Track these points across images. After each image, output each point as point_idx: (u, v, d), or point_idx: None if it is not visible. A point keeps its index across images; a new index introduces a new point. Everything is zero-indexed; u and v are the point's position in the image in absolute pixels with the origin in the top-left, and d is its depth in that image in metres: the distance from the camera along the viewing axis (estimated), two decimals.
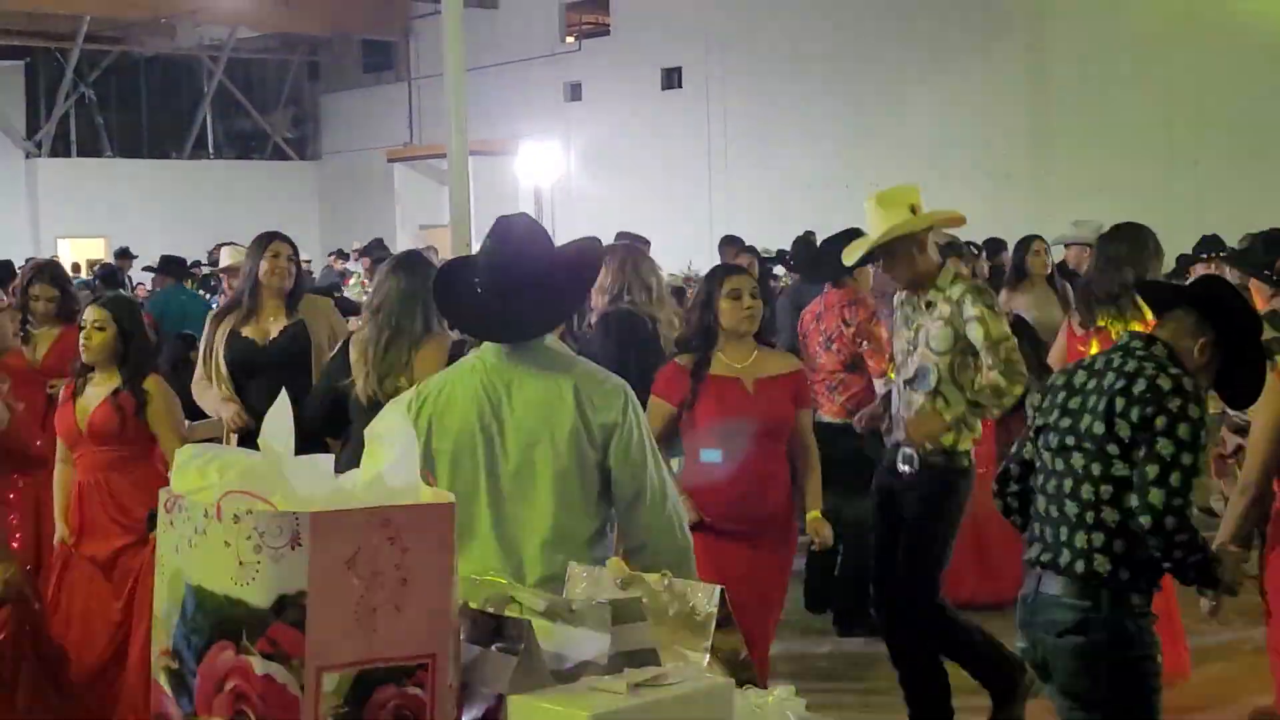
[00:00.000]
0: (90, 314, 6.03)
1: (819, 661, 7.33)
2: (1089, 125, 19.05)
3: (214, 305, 11.35)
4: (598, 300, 6.65)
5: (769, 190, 22.20)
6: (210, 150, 32.59)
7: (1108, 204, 15.82)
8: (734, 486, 5.43)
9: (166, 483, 2.02)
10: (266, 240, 6.75)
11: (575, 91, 26.64)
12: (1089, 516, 3.85)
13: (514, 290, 3.73)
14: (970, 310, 5.67)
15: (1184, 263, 11.47)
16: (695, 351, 5.62)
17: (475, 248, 15.96)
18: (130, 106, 32.43)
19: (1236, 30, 17.72)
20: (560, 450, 3.72)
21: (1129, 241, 6.65)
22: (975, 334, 5.66)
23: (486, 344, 3.85)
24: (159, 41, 30.63)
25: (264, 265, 6.63)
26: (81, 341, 5.99)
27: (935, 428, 5.70)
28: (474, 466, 3.74)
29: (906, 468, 5.80)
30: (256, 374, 6.43)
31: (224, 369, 6.53)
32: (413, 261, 5.94)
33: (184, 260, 13.67)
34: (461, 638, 2.09)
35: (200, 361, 6.73)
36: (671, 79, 25.04)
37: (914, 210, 5.91)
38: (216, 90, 31.44)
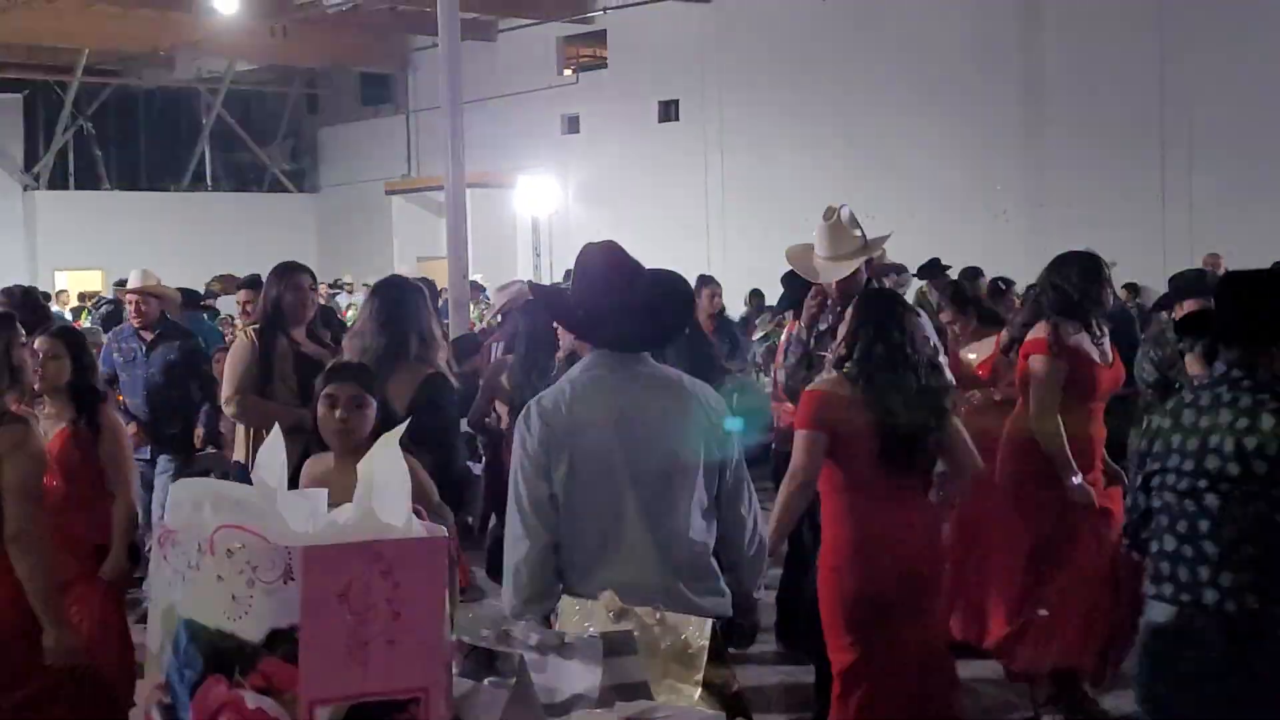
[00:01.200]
0: (43, 344, 5.85)
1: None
2: (1083, 160, 19.11)
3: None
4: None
5: (765, 223, 22.21)
6: (209, 183, 32.64)
7: (1102, 238, 15.86)
8: None
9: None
10: (286, 271, 6.74)
11: (572, 124, 26.71)
12: (1235, 555, 3.81)
13: (657, 303, 3.97)
14: None
15: (1172, 298, 11.48)
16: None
17: (472, 278, 15.78)
18: (129, 139, 32.49)
19: (1227, 68, 17.79)
20: (697, 454, 3.93)
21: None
22: None
23: (595, 357, 4.02)
24: (157, 74, 30.71)
25: (291, 297, 6.62)
26: (36, 371, 5.69)
27: None
28: (617, 477, 3.87)
29: None
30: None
31: (294, 382, 6.44)
32: (390, 288, 6.02)
33: (199, 293, 13.88)
34: (454, 671, 2.09)
35: (241, 380, 6.54)
36: (668, 112, 25.11)
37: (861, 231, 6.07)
38: (215, 123, 31.50)
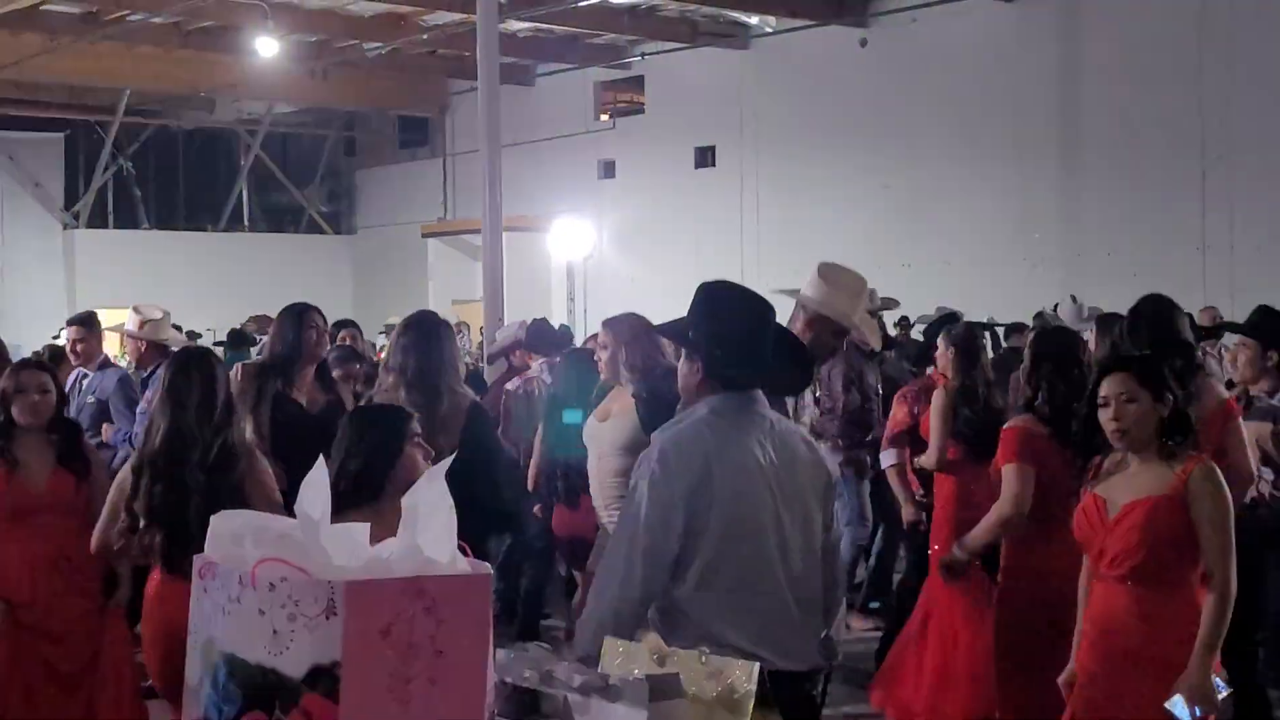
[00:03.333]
0: (34, 378, 5.84)
1: None
2: (1122, 209, 19.03)
3: None
4: (623, 376, 6.66)
5: (801, 269, 22.04)
6: (246, 223, 32.82)
7: (1141, 287, 15.78)
8: None
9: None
10: (303, 311, 6.73)
11: (609, 169, 26.78)
12: None
13: (784, 353, 4.02)
14: None
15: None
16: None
17: (508, 323, 15.86)
18: (168, 179, 32.72)
19: (1270, 117, 17.72)
20: (820, 504, 3.97)
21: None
22: None
23: (721, 400, 3.90)
24: (197, 115, 30.98)
25: (310, 336, 6.63)
26: (28, 406, 5.75)
27: None
28: (762, 523, 3.82)
29: None
30: (302, 442, 6.30)
31: (265, 428, 6.46)
32: (421, 323, 6.04)
33: (245, 333, 14.06)
34: (496, 712, 2.06)
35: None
36: (705, 158, 25.14)
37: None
38: (253, 164, 31.71)
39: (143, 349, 8.48)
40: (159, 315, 8.77)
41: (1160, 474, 4.66)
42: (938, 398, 7.20)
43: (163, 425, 5.10)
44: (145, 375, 7.89)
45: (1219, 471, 4.68)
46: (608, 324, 6.81)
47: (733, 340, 3.90)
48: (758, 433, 3.87)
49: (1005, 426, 5.68)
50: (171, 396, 5.12)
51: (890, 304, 11.24)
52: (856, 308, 5.83)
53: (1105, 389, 4.72)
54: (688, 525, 3.74)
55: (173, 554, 4.94)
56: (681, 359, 4.11)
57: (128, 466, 5.20)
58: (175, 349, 7.93)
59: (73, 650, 5.81)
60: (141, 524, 5.04)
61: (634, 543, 3.74)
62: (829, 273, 5.69)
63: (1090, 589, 4.80)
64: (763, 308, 4.02)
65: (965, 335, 7.32)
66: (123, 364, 10.59)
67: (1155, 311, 6.07)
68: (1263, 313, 7.08)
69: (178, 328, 18.01)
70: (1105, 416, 4.69)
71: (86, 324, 9.12)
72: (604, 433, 6.45)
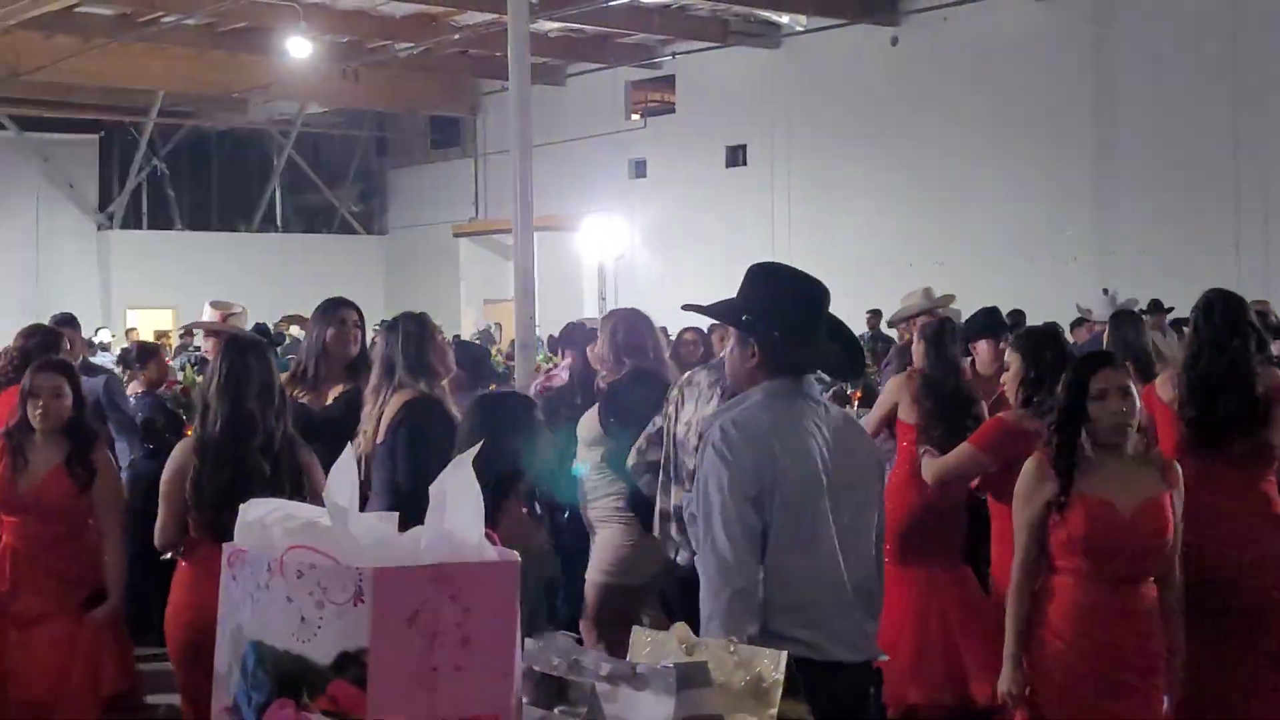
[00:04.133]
0: (48, 380, 5.82)
1: None
2: (1156, 206, 18.94)
3: None
4: (602, 366, 6.75)
5: (832, 268, 22.05)
6: (278, 224, 32.96)
7: (1176, 287, 15.69)
8: None
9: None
10: (334, 307, 6.70)
11: (640, 168, 26.78)
12: None
13: (842, 337, 3.96)
14: None
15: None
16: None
17: (539, 322, 15.81)
18: (201, 180, 32.88)
19: None
20: (869, 489, 3.90)
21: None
22: None
23: (777, 385, 3.81)
24: (230, 116, 31.12)
25: (331, 331, 6.60)
26: (39, 407, 5.73)
27: None
28: (823, 510, 3.75)
29: None
30: (309, 440, 6.29)
31: None
32: (397, 322, 6.06)
33: (269, 331, 14.00)
34: (524, 700, 2.06)
35: None
36: (736, 156, 25.12)
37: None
38: (286, 165, 31.84)
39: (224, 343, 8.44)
40: (239, 309, 8.78)
41: (1148, 471, 4.66)
42: (892, 383, 7.18)
43: (223, 411, 5.11)
44: None
45: None
46: (606, 315, 7.01)
47: (790, 322, 3.81)
48: (813, 417, 3.79)
49: (996, 415, 5.70)
50: (231, 383, 5.13)
51: (948, 300, 11.02)
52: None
53: (1103, 382, 4.65)
54: (757, 512, 3.67)
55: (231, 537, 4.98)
56: (732, 342, 4.01)
57: (182, 454, 5.22)
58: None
59: (42, 643, 5.78)
60: (199, 506, 5.08)
61: (727, 530, 3.65)
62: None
63: (1059, 590, 4.68)
64: (818, 290, 3.94)
65: (935, 328, 7.30)
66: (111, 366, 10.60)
67: (1226, 301, 5.98)
68: None
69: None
70: (1108, 409, 4.62)
71: (71, 325, 9.14)
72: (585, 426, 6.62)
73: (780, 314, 3.84)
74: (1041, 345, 5.82)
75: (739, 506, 3.64)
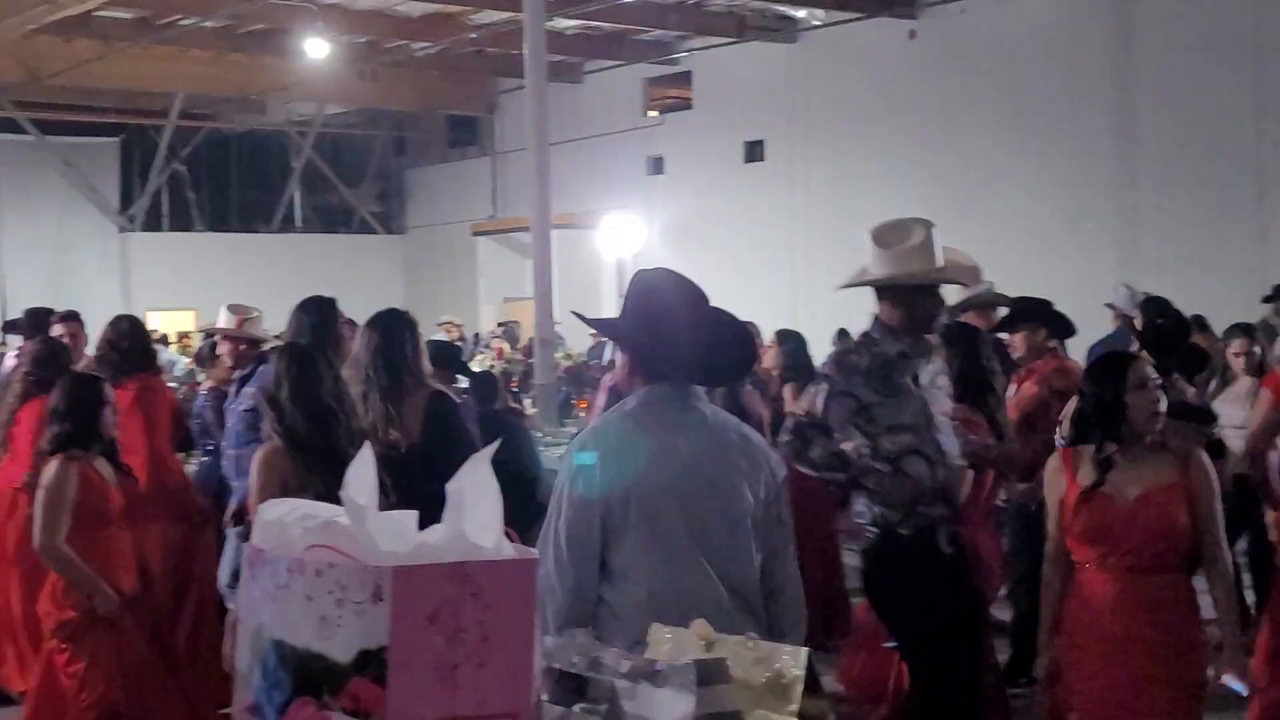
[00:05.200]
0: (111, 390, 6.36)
1: None
2: (1178, 197, 18.85)
3: None
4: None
5: (852, 263, 22.06)
6: (298, 224, 33.03)
7: (1197, 277, 15.66)
8: None
9: None
10: (329, 305, 6.75)
11: (657, 165, 26.77)
12: None
13: (720, 340, 3.83)
14: None
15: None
16: None
17: (559, 319, 15.82)
18: (220, 181, 32.98)
19: None
20: (740, 498, 3.78)
21: None
22: None
23: (654, 390, 3.82)
24: (249, 118, 31.21)
25: (345, 331, 6.67)
26: (116, 416, 6.28)
27: None
28: (674, 516, 3.72)
29: None
30: None
31: None
32: (384, 320, 6.05)
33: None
34: (544, 698, 2.06)
35: None
36: (754, 152, 25.08)
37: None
38: (304, 165, 31.91)
39: (242, 348, 8.40)
40: (256, 313, 8.80)
41: (1163, 461, 4.67)
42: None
43: (301, 410, 5.27)
44: (243, 374, 7.73)
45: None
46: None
47: (658, 330, 3.80)
48: (685, 426, 3.78)
49: None
50: (304, 384, 5.31)
51: (991, 289, 10.94)
52: (927, 258, 5.76)
53: (1140, 372, 4.68)
54: (605, 520, 3.70)
55: None
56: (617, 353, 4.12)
57: (273, 461, 5.27)
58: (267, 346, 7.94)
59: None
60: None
61: (558, 541, 3.72)
62: (880, 235, 5.71)
63: (1082, 581, 4.71)
64: (692, 295, 3.87)
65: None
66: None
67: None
68: None
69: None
70: (1148, 400, 4.65)
71: (78, 320, 9.24)
72: None
73: (650, 322, 3.83)
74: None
75: (580, 513, 3.69)
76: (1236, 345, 9.07)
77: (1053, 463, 4.81)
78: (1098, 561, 4.66)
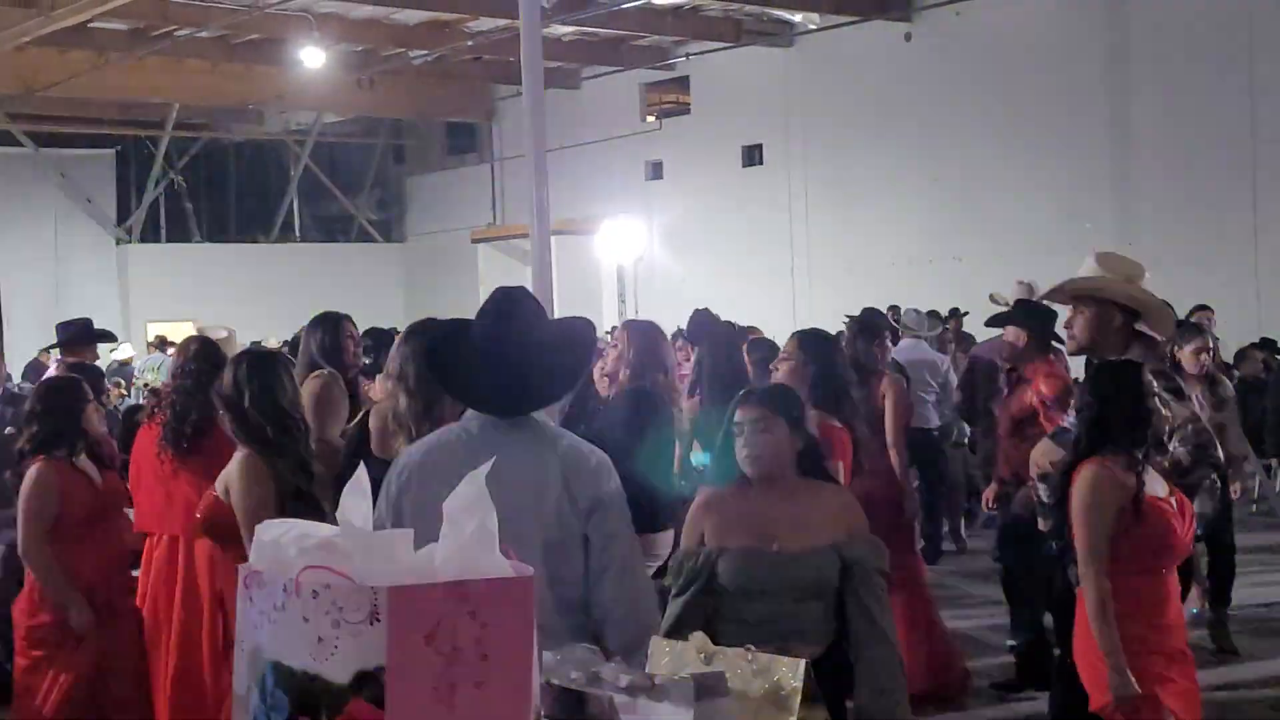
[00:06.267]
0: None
1: None
2: (1173, 200, 18.85)
3: None
4: (621, 375, 6.77)
5: (851, 266, 22.16)
6: (297, 233, 33.04)
7: (1195, 279, 15.64)
8: None
9: None
10: (337, 320, 6.75)
11: (656, 170, 26.78)
12: None
13: (514, 364, 3.78)
14: None
15: None
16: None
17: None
18: (218, 192, 32.99)
19: None
20: (549, 522, 3.72)
21: None
22: None
23: (471, 414, 3.89)
24: (246, 128, 31.21)
25: (349, 345, 6.65)
26: (101, 413, 6.44)
27: None
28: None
29: None
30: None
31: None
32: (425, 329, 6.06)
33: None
34: (543, 714, 2.06)
35: None
36: (752, 156, 25.10)
37: (1130, 280, 5.81)
38: (302, 174, 31.92)
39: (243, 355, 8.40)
40: (225, 333, 8.78)
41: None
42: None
43: (268, 418, 5.29)
44: None
45: None
46: (629, 324, 7.05)
47: (438, 371, 4.12)
48: (505, 446, 3.61)
49: None
50: (266, 392, 5.32)
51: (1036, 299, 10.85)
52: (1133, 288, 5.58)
53: (1151, 379, 4.75)
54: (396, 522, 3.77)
55: None
56: None
57: (250, 471, 5.27)
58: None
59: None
60: (288, 508, 5.14)
61: None
62: (1104, 259, 5.65)
63: (1145, 590, 4.69)
64: (492, 320, 3.90)
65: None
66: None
67: None
68: None
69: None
70: (1161, 406, 4.72)
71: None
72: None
73: (432, 366, 4.20)
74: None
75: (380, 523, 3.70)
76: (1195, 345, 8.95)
77: (1103, 475, 4.72)
78: (1161, 568, 4.68)
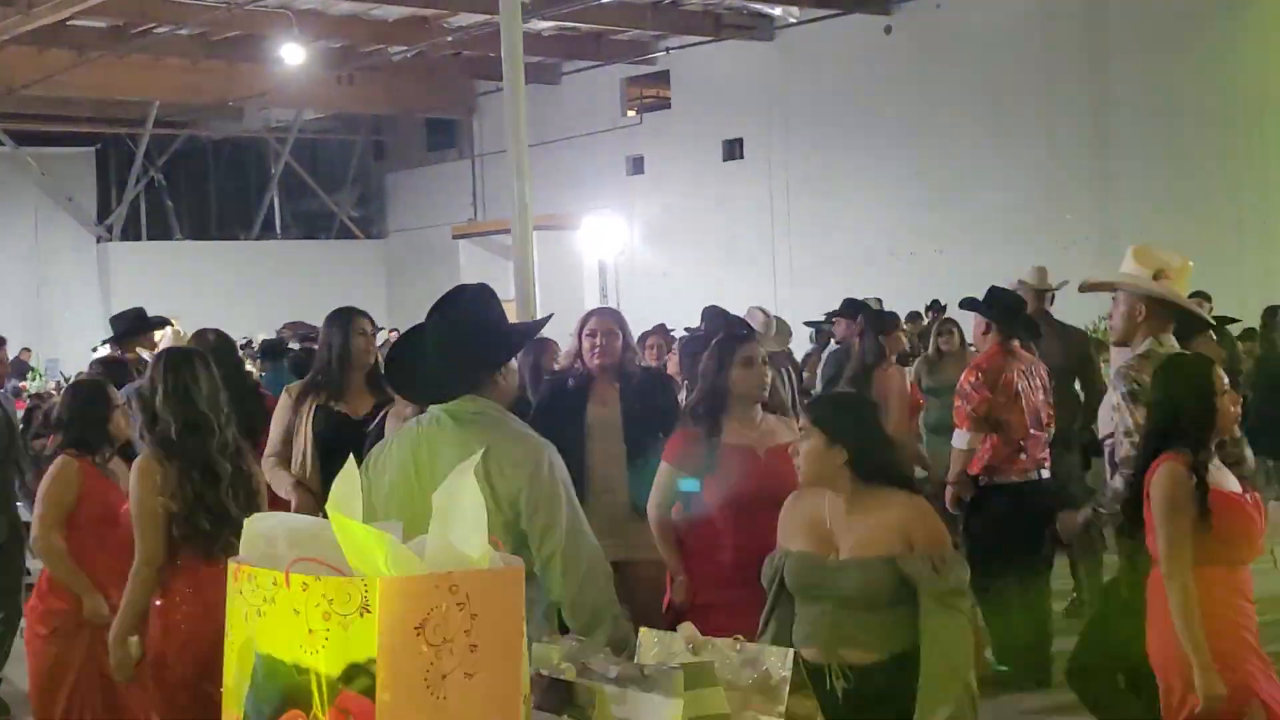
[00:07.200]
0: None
1: None
2: (1154, 191, 18.91)
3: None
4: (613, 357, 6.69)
5: (832, 259, 22.18)
6: (278, 231, 32.97)
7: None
8: (740, 554, 5.30)
9: None
10: (349, 317, 6.72)
11: (637, 165, 26.78)
12: None
13: (423, 358, 3.94)
14: None
15: None
16: (706, 419, 5.60)
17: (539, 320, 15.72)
18: (199, 189, 32.91)
19: None
20: (509, 511, 3.84)
21: None
22: None
23: (431, 408, 4.05)
24: (226, 125, 31.11)
25: (359, 343, 6.63)
26: (128, 418, 6.25)
27: None
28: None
29: None
30: (349, 450, 6.15)
31: (311, 447, 6.48)
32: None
33: (281, 343, 13.99)
34: (532, 705, 2.06)
35: (274, 442, 6.63)
36: (733, 150, 25.11)
37: (1160, 274, 5.84)
38: (283, 171, 31.85)
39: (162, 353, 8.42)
40: (169, 331, 8.81)
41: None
42: None
43: (176, 417, 5.21)
44: None
45: None
46: (608, 313, 6.94)
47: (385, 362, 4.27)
48: (426, 442, 3.96)
49: None
50: (179, 390, 5.24)
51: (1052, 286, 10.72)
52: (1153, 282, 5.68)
53: (1220, 378, 4.79)
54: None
55: (218, 539, 5.07)
56: None
57: (147, 471, 5.22)
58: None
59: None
60: (184, 512, 5.11)
61: None
62: (1140, 254, 5.73)
63: (1233, 583, 4.72)
64: (433, 312, 4.05)
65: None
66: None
67: None
68: None
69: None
70: (1230, 400, 4.75)
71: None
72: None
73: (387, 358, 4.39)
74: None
75: None
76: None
77: (1180, 472, 4.65)
78: (1241, 561, 4.69)
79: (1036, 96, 20.07)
